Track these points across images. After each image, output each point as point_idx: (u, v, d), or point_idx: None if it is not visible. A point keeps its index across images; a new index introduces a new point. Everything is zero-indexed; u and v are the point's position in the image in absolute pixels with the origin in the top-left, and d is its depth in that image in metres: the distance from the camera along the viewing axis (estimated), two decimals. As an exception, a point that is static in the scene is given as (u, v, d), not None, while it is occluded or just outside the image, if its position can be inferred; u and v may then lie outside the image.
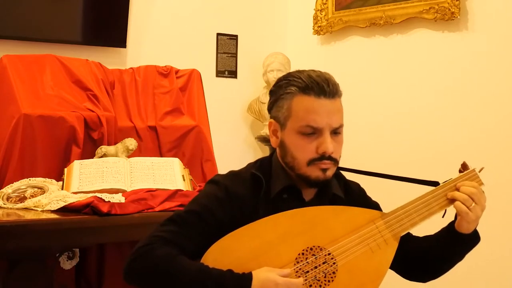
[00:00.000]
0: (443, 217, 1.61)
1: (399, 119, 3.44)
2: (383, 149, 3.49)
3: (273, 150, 1.68)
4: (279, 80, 1.62)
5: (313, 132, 1.53)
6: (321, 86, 1.53)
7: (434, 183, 1.61)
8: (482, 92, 3.09)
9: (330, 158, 1.54)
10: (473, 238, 1.61)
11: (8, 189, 2.49)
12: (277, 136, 1.61)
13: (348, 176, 1.72)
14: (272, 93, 1.63)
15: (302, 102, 1.54)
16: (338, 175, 1.67)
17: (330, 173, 1.56)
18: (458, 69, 3.19)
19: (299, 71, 1.59)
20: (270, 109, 1.63)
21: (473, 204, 1.54)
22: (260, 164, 1.65)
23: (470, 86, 3.14)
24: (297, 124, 1.54)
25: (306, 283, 1.49)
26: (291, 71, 1.64)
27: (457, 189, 1.57)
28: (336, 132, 1.56)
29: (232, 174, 1.64)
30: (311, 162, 1.54)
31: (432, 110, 3.29)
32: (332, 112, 1.54)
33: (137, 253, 1.47)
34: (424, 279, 1.72)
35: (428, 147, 3.30)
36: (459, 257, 1.66)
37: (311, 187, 1.60)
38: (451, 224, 1.62)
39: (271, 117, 1.63)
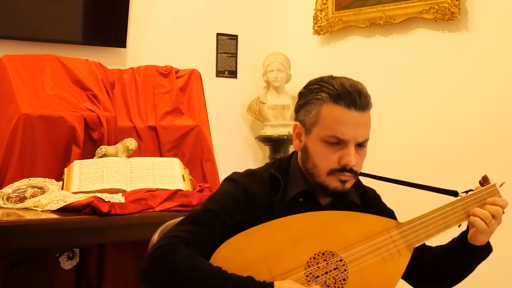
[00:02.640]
0: (459, 226, 1.58)
1: (399, 119, 3.44)
2: (382, 149, 3.48)
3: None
4: (311, 84, 1.58)
5: (338, 143, 1.51)
6: (353, 98, 1.51)
7: (454, 193, 1.58)
8: (482, 92, 3.09)
9: (351, 170, 1.52)
10: (486, 249, 1.60)
11: (8, 189, 2.49)
12: (300, 140, 1.59)
13: (363, 180, 1.70)
14: (301, 95, 1.59)
15: (331, 111, 1.51)
16: (355, 182, 1.64)
17: (348, 185, 1.54)
18: (458, 69, 3.19)
19: (331, 77, 1.56)
20: (297, 111, 1.60)
21: (493, 221, 1.53)
22: (278, 165, 1.63)
23: (470, 86, 3.14)
24: (323, 132, 1.52)
25: None
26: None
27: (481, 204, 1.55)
28: (360, 145, 1.54)
29: (250, 172, 1.62)
30: (331, 172, 1.52)
31: (432, 110, 3.29)
32: (359, 126, 1.52)
33: (157, 253, 1.45)
34: None
35: (428, 147, 3.30)
36: (471, 268, 1.64)
37: (327, 196, 1.59)
38: (463, 234, 1.60)
39: (297, 120, 1.60)
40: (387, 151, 3.47)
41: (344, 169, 1.51)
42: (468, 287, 3.05)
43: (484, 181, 1.60)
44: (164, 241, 1.47)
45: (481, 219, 1.52)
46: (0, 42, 3.08)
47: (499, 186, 1.59)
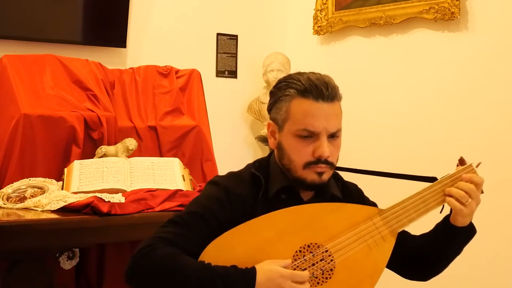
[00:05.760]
0: (440, 212, 1.61)
1: (399, 119, 3.44)
2: (382, 149, 3.49)
3: (271, 151, 1.69)
4: (279, 82, 1.62)
5: (310, 136, 1.54)
6: (320, 90, 1.53)
7: (432, 179, 1.61)
8: (482, 92, 3.09)
9: (326, 162, 1.54)
10: (469, 231, 1.62)
11: (8, 189, 2.49)
12: (275, 137, 1.62)
13: (346, 175, 1.72)
14: (272, 94, 1.63)
15: (300, 105, 1.54)
16: (336, 176, 1.68)
17: (326, 176, 1.56)
18: (458, 69, 3.19)
19: (299, 73, 1.59)
20: (269, 110, 1.64)
21: (469, 200, 1.55)
22: (259, 165, 1.66)
23: (470, 86, 3.14)
24: (295, 127, 1.55)
25: None
26: (291, 72, 1.64)
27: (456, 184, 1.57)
28: (333, 136, 1.56)
29: (232, 174, 1.65)
30: (307, 165, 1.54)
31: (432, 110, 3.29)
32: (329, 117, 1.54)
33: (140, 254, 1.46)
34: (425, 277, 1.72)
35: (428, 147, 3.30)
36: (457, 251, 1.66)
37: (307, 190, 1.61)
38: (446, 218, 1.63)
39: (270, 119, 1.64)
40: (386, 150, 3.47)
41: (319, 161, 1.53)
42: (469, 287, 3.06)
43: (461, 163, 1.63)
44: (147, 242, 1.49)
45: (457, 199, 1.54)
46: (0, 42, 3.08)
47: (476, 167, 1.61)
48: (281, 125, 1.58)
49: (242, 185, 1.59)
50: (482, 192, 1.58)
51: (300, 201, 1.61)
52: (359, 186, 1.78)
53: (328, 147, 1.53)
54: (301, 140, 1.54)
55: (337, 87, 1.57)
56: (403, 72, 3.44)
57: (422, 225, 1.65)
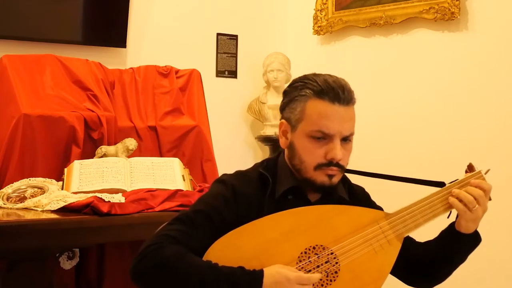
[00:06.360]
0: (448, 217, 1.60)
1: (399, 119, 3.44)
2: (383, 149, 3.49)
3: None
4: (295, 82, 1.61)
5: (323, 137, 1.53)
6: (336, 92, 1.53)
7: (440, 184, 1.60)
8: (482, 92, 3.09)
9: (337, 165, 1.54)
10: (474, 239, 1.61)
11: (8, 189, 2.49)
12: (286, 137, 1.61)
13: (352, 177, 1.71)
14: (286, 93, 1.62)
15: (316, 106, 1.54)
16: (342, 178, 1.66)
17: (336, 179, 1.56)
18: (458, 69, 3.19)
19: (315, 75, 1.59)
20: (282, 109, 1.63)
21: (476, 206, 1.53)
22: (266, 164, 1.65)
23: (470, 86, 3.14)
24: (309, 127, 1.54)
25: None
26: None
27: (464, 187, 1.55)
28: (346, 139, 1.56)
29: (239, 173, 1.64)
30: (318, 167, 1.54)
31: (432, 110, 3.29)
32: (344, 120, 1.54)
33: (145, 252, 1.46)
34: (428, 284, 1.70)
35: (428, 147, 3.30)
36: (461, 258, 1.65)
37: (315, 192, 1.61)
38: (452, 224, 1.62)
39: (282, 118, 1.62)
40: (386, 151, 3.47)
41: (330, 163, 1.53)
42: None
43: (470, 169, 1.62)
44: (152, 240, 1.49)
45: (464, 203, 1.53)
46: (0, 42, 3.08)
47: (485, 173, 1.59)
48: (294, 125, 1.58)
49: (249, 184, 1.59)
50: (489, 199, 1.57)
51: (307, 203, 1.60)
52: (365, 190, 1.77)
53: (340, 150, 1.53)
54: (314, 141, 1.54)
55: (353, 91, 1.57)
56: (403, 72, 3.44)
57: (427, 232, 1.64)
